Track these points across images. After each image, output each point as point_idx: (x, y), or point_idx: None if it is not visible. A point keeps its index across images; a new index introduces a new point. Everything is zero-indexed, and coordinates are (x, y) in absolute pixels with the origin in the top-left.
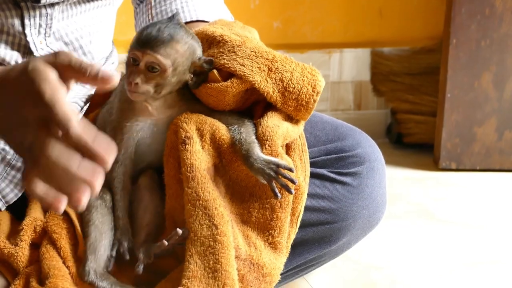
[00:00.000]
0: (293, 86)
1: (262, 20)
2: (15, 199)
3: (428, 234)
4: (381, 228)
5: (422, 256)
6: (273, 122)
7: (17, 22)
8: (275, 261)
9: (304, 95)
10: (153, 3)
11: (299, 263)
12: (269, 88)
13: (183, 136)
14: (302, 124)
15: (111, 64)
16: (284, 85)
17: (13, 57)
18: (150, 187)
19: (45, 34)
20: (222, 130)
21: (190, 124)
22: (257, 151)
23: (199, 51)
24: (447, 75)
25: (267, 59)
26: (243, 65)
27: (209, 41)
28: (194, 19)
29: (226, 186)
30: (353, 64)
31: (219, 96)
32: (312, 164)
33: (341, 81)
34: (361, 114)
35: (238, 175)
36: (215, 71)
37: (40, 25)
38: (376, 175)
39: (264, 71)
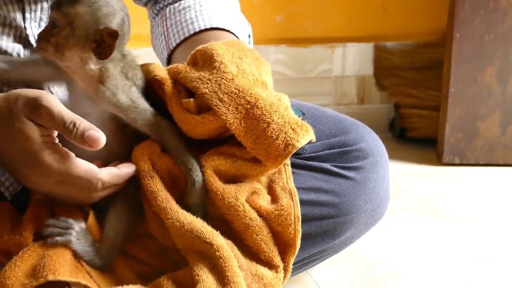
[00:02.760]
0: (265, 138)
1: (264, 14)
2: (15, 191)
3: (432, 229)
4: (384, 222)
5: (426, 250)
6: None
7: (18, 15)
8: (274, 276)
9: (273, 150)
10: (167, 15)
11: (302, 257)
12: (241, 132)
13: (145, 171)
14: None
15: None
16: (257, 133)
17: (15, 49)
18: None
19: None
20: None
21: (147, 161)
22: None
23: (107, 20)
24: (451, 70)
25: (248, 101)
26: (221, 101)
27: (207, 61)
28: (208, 26)
29: None
30: (356, 59)
31: (189, 126)
32: (315, 158)
33: (344, 76)
34: (364, 108)
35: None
36: (192, 100)
37: (41, 19)
38: (379, 170)
39: (241, 112)
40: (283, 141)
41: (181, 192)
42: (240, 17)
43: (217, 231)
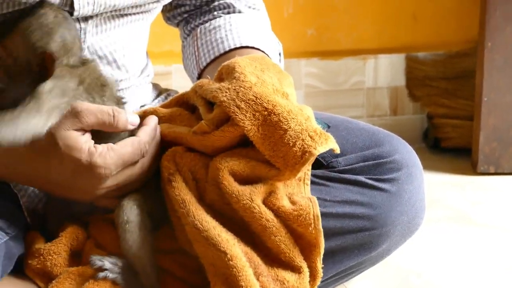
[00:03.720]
0: (282, 145)
1: (296, 28)
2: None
3: (467, 239)
4: (420, 233)
5: (461, 261)
6: None
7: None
8: (297, 278)
9: (291, 157)
10: (198, 35)
11: (339, 270)
12: (259, 139)
13: (166, 174)
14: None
15: (147, 77)
16: (274, 140)
17: None
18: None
19: None
20: (198, 166)
21: (171, 161)
22: None
23: (42, 44)
24: (483, 79)
25: (266, 108)
26: (239, 108)
27: (230, 74)
28: (238, 45)
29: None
30: (388, 70)
31: (210, 143)
32: (350, 171)
33: (377, 87)
34: (397, 119)
35: (221, 208)
36: (202, 121)
37: None
38: (414, 181)
39: (258, 119)
40: (300, 148)
41: (201, 193)
42: (270, 35)
43: (237, 236)
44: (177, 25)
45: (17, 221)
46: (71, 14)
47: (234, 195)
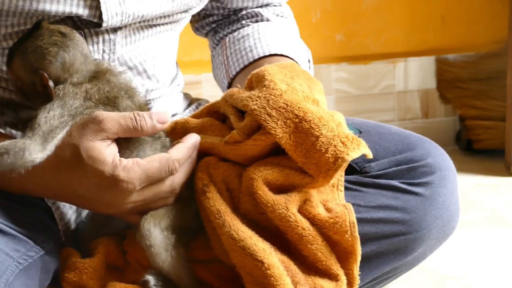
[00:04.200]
0: (314, 152)
1: (324, 33)
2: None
3: (503, 240)
4: (454, 236)
5: (498, 263)
6: None
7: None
8: (334, 286)
9: (323, 164)
10: (227, 44)
11: (375, 276)
12: (291, 146)
13: (200, 185)
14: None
15: (177, 86)
16: (306, 147)
17: None
18: None
19: (109, 59)
20: (232, 176)
21: (205, 172)
22: None
23: (40, 65)
24: None
25: (297, 115)
26: (270, 116)
27: (259, 82)
28: (267, 53)
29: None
30: (418, 73)
31: (243, 152)
32: (383, 176)
33: (407, 90)
34: (429, 122)
35: (256, 217)
36: (234, 131)
37: (103, 51)
38: (448, 184)
39: (289, 127)
40: (333, 154)
41: (235, 203)
42: (299, 42)
43: (273, 244)
44: (206, 35)
45: (51, 235)
46: (100, 25)
47: (269, 204)
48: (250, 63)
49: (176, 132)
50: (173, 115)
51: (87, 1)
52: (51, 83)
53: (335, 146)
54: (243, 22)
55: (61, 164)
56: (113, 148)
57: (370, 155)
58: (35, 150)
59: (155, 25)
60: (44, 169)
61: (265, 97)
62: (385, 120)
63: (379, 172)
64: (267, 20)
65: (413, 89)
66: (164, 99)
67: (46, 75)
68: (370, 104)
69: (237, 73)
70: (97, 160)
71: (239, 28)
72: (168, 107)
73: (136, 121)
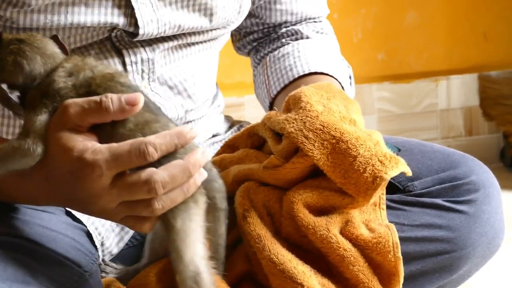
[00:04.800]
0: (352, 172)
1: (366, 52)
2: (111, 258)
3: None
4: (500, 253)
5: None
6: None
7: (120, 69)
8: None
9: (362, 184)
10: (268, 63)
11: None
12: (329, 167)
13: (241, 210)
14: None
15: (217, 107)
16: (344, 168)
17: None
18: None
19: (148, 79)
20: (272, 200)
21: (246, 197)
22: None
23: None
24: None
25: (334, 136)
26: (307, 138)
27: (296, 104)
28: (307, 72)
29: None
30: (461, 90)
31: (282, 176)
32: (427, 194)
33: (450, 108)
34: (473, 140)
35: (298, 241)
36: (272, 156)
37: (142, 71)
38: (492, 201)
39: (327, 148)
40: (371, 174)
41: (277, 227)
42: (340, 59)
43: (314, 267)
44: (248, 54)
45: (94, 259)
46: (137, 34)
47: (310, 226)
48: (291, 82)
49: None
50: (214, 135)
51: (122, 9)
52: (14, 95)
53: (373, 165)
54: (283, 40)
55: (39, 163)
56: (86, 136)
57: (409, 173)
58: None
59: (194, 44)
60: (23, 175)
61: (301, 119)
62: (429, 139)
63: (422, 191)
64: (307, 37)
65: (456, 107)
66: (205, 120)
67: (4, 86)
68: (413, 123)
69: (278, 92)
70: (65, 147)
71: (279, 47)
72: (209, 128)
73: (101, 103)
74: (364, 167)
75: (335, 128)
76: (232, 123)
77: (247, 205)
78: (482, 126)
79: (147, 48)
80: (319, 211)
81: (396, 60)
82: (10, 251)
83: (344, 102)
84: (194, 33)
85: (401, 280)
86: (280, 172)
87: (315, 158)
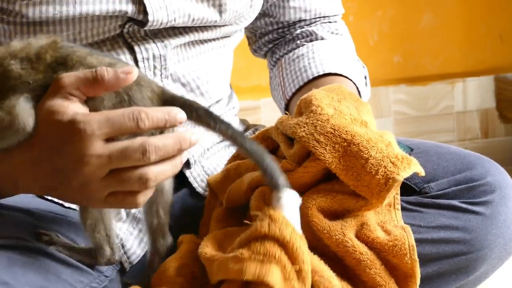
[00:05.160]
0: (365, 174)
1: (382, 55)
2: (137, 260)
3: None
4: None
5: None
6: None
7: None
8: None
9: (375, 186)
10: (283, 65)
11: None
12: (342, 171)
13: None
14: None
15: (232, 109)
16: (357, 170)
17: None
18: None
19: (161, 76)
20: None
21: (261, 201)
22: None
23: None
24: None
25: (345, 139)
26: (318, 142)
27: (306, 107)
28: (321, 72)
29: None
30: (477, 93)
31: (296, 179)
32: (443, 196)
33: (466, 111)
34: (489, 142)
35: (314, 244)
36: (283, 160)
37: (155, 67)
38: (508, 202)
39: (338, 151)
40: (383, 175)
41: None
42: (355, 59)
43: (332, 271)
44: (264, 56)
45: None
46: (146, 22)
47: (325, 231)
48: (305, 83)
49: (230, 179)
50: None
51: None
52: None
53: (385, 167)
54: (298, 42)
55: (32, 140)
56: (79, 104)
57: (422, 173)
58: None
59: (206, 41)
60: (14, 156)
61: (312, 123)
62: (445, 141)
63: (438, 192)
64: (322, 38)
65: (472, 109)
66: None
67: None
68: (429, 125)
69: (293, 94)
70: (56, 112)
71: (294, 48)
72: None
73: (96, 72)
74: (376, 169)
75: (346, 131)
76: (247, 126)
77: (262, 206)
78: (498, 128)
79: (159, 45)
80: (334, 214)
81: (412, 62)
82: (31, 256)
83: (355, 104)
84: (205, 28)
85: (418, 282)
86: (293, 176)
87: (327, 161)
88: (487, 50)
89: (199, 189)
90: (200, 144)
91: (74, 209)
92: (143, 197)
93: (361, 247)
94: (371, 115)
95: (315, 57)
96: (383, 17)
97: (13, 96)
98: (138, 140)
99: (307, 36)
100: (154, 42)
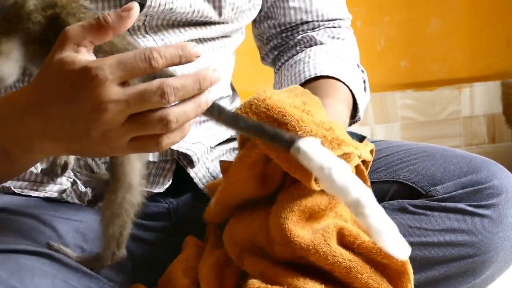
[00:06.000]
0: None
1: (389, 60)
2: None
3: None
4: None
5: None
6: None
7: None
8: None
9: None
10: (282, 72)
11: None
12: (273, 152)
13: (235, 257)
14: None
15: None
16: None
17: None
18: None
19: None
20: None
21: (232, 243)
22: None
23: None
24: None
25: (276, 119)
26: None
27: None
28: (313, 75)
29: None
30: (484, 98)
31: (242, 174)
32: (449, 199)
33: (473, 116)
34: (496, 147)
35: (297, 261)
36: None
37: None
38: None
39: None
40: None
41: (273, 256)
42: (353, 63)
43: (320, 280)
44: (272, 63)
45: (123, 268)
46: (144, 5)
47: (310, 247)
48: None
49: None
50: (232, 139)
51: None
52: None
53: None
54: (298, 48)
55: (41, 95)
56: (89, 54)
57: (356, 154)
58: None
59: (206, 40)
60: (25, 109)
61: (249, 102)
62: (452, 146)
63: (445, 196)
64: (321, 43)
65: (479, 114)
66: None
67: None
68: (436, 130)
69: None
70: (67, 63)
71: (294, 55)
72: (225, 130)
73: (99, 18)
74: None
75: (278, 111)
76: None
77: (236, 251)
78: (505, 133)
79: (159, 43)
80: (310, 224)
81: (419, 67)
82: (39, 261)
83: (303, 98)
84: (205, 26)
85: (412, 277)
86: (230, 175)
87: (257, 143)
88: (494, 55)
89: (206, 190)
90: (203, 143)
91: (83, 212)
92: (167, 140)
93: (348, 255)
94: (320, 108)
95: (310, 61)
96: (390, 22)
97: (8, 42)
98: (155, 82)
99: (307, 41)
100: (154, 40)
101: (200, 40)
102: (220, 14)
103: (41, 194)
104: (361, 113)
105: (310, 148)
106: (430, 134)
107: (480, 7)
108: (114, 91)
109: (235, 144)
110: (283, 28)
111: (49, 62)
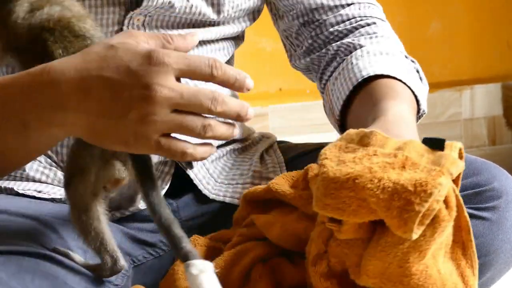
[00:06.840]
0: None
1: None
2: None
3: None
4: None
5: None
6: None
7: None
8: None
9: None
10: (329, 87)
11: None
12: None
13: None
14: None
15: None
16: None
17: None
18: None
19: None
20: None
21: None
22: None
23: None
24: None
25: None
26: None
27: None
28: (360, 79)
29: None
30: (484, 100)
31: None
32: None
33: (474, 118)
34: (497, 149)
35: None
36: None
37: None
38: None
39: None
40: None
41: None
42: (401, 56)
43: None
44: (307, 70)
45: (125, 271)
46: (142, 1)
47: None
48: (351, 92)
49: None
50: (233, 140)
51: None
52: None
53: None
54: (338, 59)
55: (86, 63)
56: None
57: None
58: None
59: (205, 42)
60: (61, 75)
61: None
62: None
63: None
64: (360, 46)
65: (479, 116)
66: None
67: None
68: (436, 132)
69: (341, 111)
70: (131, 44)
71: (336, 67)
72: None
73: (165, 35)
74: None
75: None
76: (252, 133)
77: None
78: (505, 135)
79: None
80: (302, 253)
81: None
82: (39, 263)
83: (359, 143)
84: (204, 26)
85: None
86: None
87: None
88: (495, 57)
89: (206, 191)
90: None
91: None
92: (192, 151)
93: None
94: (382, 139)
95: (353, 67)
96: (391, 24)
97: None
98: (208, 89)
99: (346, 49)
100: None
101: (200, 42)
102: (219, 12)
103: (44, 196)
104: (424, 105)
105: (198, 272)
106: (431, 136)
107: (480, 9)
108: (172, 79)
109: (235, 145)
110: (306, 18)
111: (105, 42)
